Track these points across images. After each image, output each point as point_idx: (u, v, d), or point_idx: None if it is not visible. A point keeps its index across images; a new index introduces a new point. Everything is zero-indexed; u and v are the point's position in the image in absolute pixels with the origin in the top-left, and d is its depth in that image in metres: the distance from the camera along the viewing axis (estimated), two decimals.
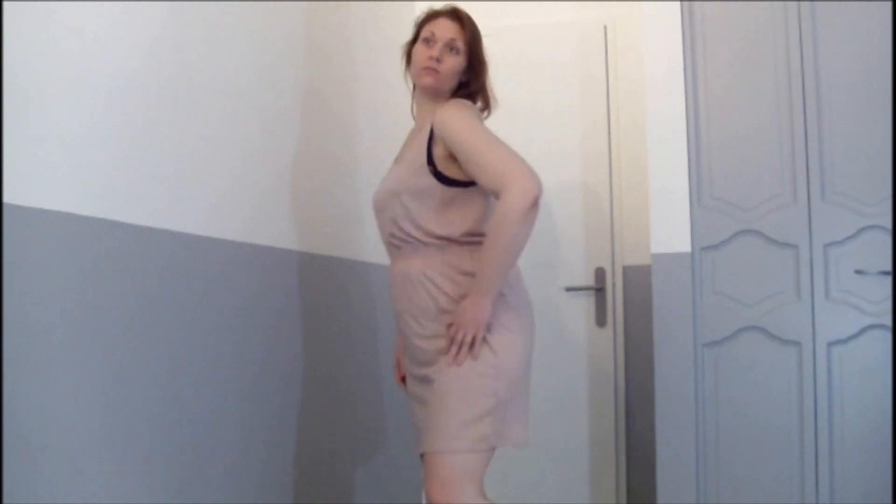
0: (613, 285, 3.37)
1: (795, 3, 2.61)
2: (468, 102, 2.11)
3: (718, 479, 2.61)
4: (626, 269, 3.36)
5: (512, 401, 1.95)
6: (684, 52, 2.69)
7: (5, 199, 1.46)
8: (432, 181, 2.01)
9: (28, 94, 1.54)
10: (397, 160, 2.22)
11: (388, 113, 3.34)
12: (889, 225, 2.49)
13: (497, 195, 1.88)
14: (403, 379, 2.27)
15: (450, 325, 1.95)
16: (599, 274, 3.37)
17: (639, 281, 3.14)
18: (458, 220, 2.01)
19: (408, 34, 2.24)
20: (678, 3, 2.69)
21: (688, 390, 2.61)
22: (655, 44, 2.71)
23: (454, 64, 2.11)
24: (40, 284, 1.55)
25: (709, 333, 2.63)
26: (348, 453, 2.93)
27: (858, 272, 2.51)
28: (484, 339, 1.93)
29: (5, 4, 1.47)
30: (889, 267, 2.47)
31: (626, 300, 3.37)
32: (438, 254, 2.02)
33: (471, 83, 2.15)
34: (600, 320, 3.37)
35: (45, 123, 1.58)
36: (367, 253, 3.09)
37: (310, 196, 2.69)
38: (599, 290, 3.37)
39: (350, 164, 3.04)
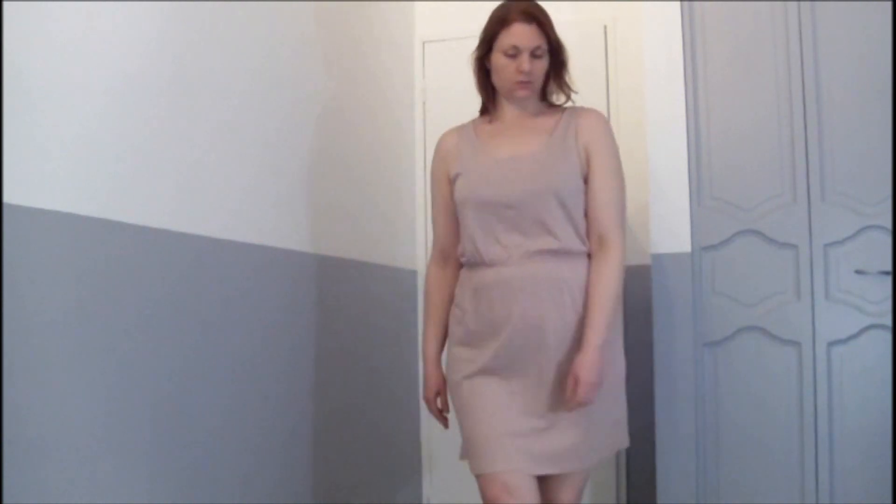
0: None
1: (795, 3, 2.60)
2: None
3: (718, 480, 2.60)
4: (625, 269, 3.35)
5: None
6: (684, 51, 2.69)
7: (5, 199, 1.46)
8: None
9: (28, 94, 1.54)
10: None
11: (391, 114, 3.33)
12: (889, 225, 2.49)
13: None
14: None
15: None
16: None
17: (639, 281, 3.13)
18: None
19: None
20: (678, 2, 2.69)
21: (688, 390, 2.61)
22: (655, 43, 2.71)
23: (542, 67, 2.07)
24: (40, 284, 1.55)
25: (709, 333, 2.63)
26: (365, 458, 2.92)
27: (858, 272, 2.50)
28: None
29: (5, 4, 1.47)
30: (889, 267, 2.47)
31: (626, 300, 3.35)
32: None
33: (556, 74, 2.13)
34: None
35: (45, 123, 1.58)
36: (375, 255, 3.08)
37: (321, 198, 2.68)
38: None
39: (361, 166, 3.03)
